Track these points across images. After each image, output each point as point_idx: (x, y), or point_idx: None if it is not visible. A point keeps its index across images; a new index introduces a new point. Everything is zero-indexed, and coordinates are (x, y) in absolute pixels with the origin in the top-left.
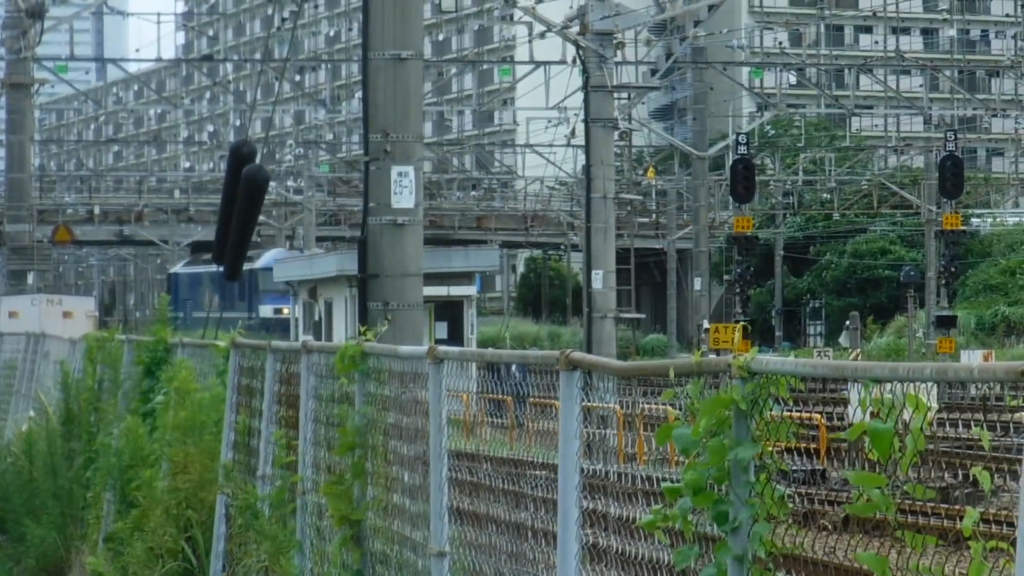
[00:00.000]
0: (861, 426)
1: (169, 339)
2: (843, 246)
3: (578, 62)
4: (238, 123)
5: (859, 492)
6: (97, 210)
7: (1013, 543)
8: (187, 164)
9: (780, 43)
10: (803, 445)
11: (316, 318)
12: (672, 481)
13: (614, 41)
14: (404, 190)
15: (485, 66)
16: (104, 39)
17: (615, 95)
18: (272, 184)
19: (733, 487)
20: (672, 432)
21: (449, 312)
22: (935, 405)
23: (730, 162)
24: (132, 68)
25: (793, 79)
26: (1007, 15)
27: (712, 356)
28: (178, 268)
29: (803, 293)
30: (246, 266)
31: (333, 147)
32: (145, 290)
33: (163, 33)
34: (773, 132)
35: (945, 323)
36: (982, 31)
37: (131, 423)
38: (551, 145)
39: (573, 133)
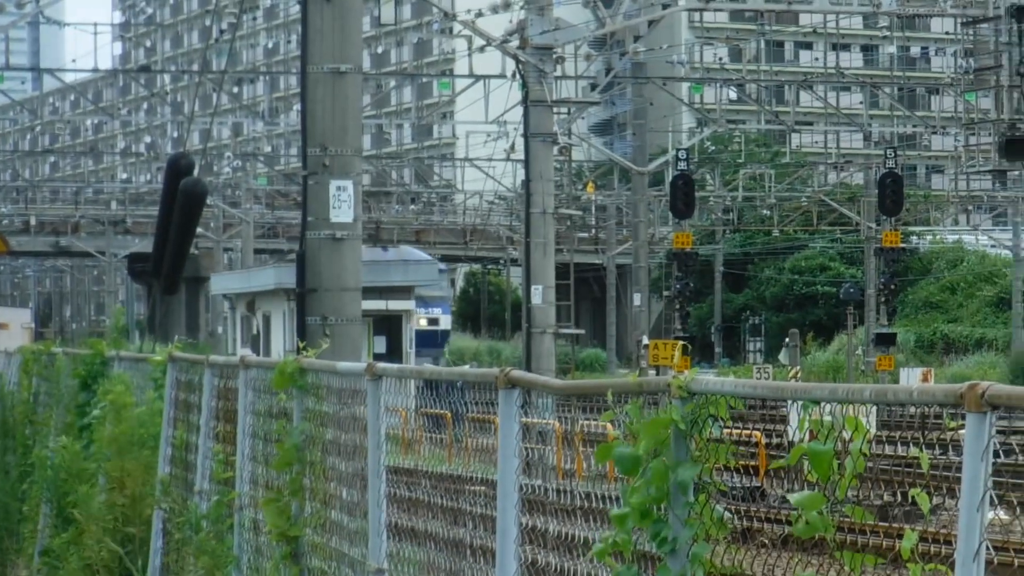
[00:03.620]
0: (801, 449)
1: (106, 352)
2: (782, 262)
3: (518, 76)
4: (175, 134)
5: (798, 514)
6: (33, 221)
7: (952, 566)
8: (124, 175)
9: (720, 59)
10: (742, 463)
11: (254, 331)
12: (610, 499)
13: (554, 55)
14: (343, 204)
15: (424, 79)
16: (40, 49)
17: (555, 110)
18: (210, 197)
19: (672, 508)
20: (613, 452)
21: (387, 326)
22: (873, 428)
23: (670, 177)
24: (69, 78)
25: (733, 95)
26: (947, 33)
27: (652, 373)
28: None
29: (742, 309)
30: None
31: (271, 159)
32: (82, 302)
33: (100, 43)
34: (713, 148)
35: (884, 341)
36: (922, 48)
37: (66, 441)
38: (490, 159)
39: (512, 147)
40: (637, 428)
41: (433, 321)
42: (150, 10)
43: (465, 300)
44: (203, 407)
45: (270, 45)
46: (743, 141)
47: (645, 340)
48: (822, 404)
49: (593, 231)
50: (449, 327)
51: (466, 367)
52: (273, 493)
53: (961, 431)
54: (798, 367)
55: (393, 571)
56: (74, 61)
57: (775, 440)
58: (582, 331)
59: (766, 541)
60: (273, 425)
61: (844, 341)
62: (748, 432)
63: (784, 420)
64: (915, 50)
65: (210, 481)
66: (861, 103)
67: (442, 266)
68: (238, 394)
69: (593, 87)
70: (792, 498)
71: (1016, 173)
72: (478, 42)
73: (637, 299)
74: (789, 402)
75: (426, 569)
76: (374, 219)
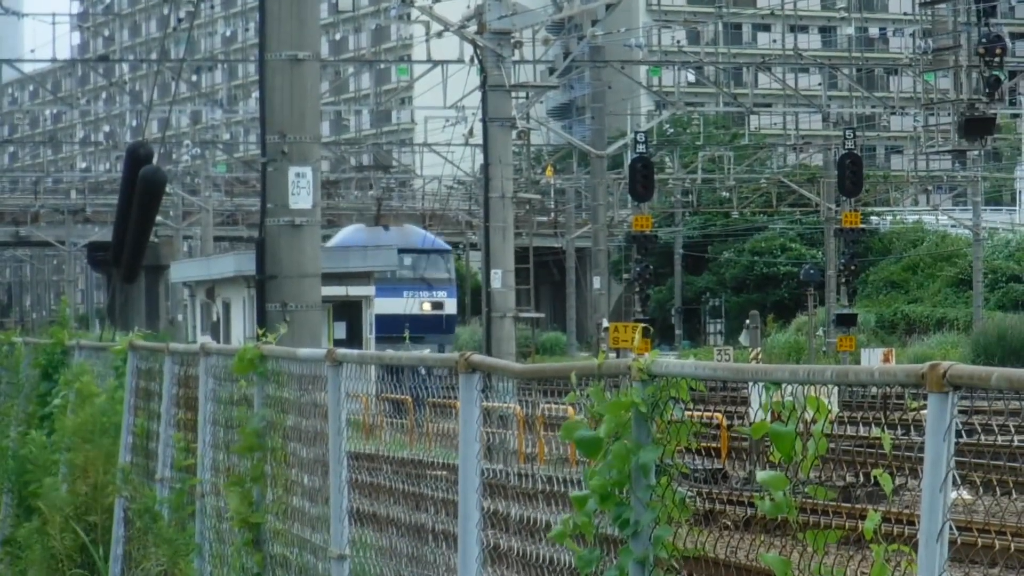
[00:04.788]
0: (764, 426)
1: (66, 341)
2: (742, 244)
3: (476, 61)
4: (134, 123)
5: (761, 495)
6: None
7: (915, 546)
8: (83, 164)
9: (678, 41)
10: (704, 445)
11: (214, 319)
12: (572, 482)
13: (512, 40)
14: (302, 191)
15: (382, 65)
16: None
17: (513, 94)
18: (169, 185)
19: (634, 490)
20: (575, 435)
21: (347, 312)
22: (835, 408)
23: (628, 161)
24: (27, 68)
25: (691, 77)
26: (905, 13)
27: (612, 356)
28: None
29: (702, 291)
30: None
31: (230, 147)
32: (42, 291)
33: (58, 33)
34: (672, 130)
35: (845, 321)
36: (880, 29)
37: (30, 432)
38: (449, 144)
39: (471, 132)
40: (599, 410)
41: (438, 305)
42: (108, 0)
43: None
44: (164, 395)
45: (228, 33)
46: (702, 123)
47: (605, 323)
48: (783, 385)
49: (552, 215)
50: (455, 311)
51: (426, 352)
52: (235, 480)
53: (923, 411)
54: (759, 349)
55: (355, 557)
56: (33, 51)
57: (737, 422)
58: (542, 315)
59: (728, 523)
60: (234, 412)
61: (803, 322)
62: (710, 414)
63: (745, 402)
64: (873, 31)
65: (171, 469)
66: (820, 84)
67: (447, 247)
68: (199, 381)
69: (551, 71)
70: (759, 476)
71: (975, 153)
72: (436, 27)
73: (597, 282)
74: (750, 384)
75: (388, 554)
76: (333, 206)
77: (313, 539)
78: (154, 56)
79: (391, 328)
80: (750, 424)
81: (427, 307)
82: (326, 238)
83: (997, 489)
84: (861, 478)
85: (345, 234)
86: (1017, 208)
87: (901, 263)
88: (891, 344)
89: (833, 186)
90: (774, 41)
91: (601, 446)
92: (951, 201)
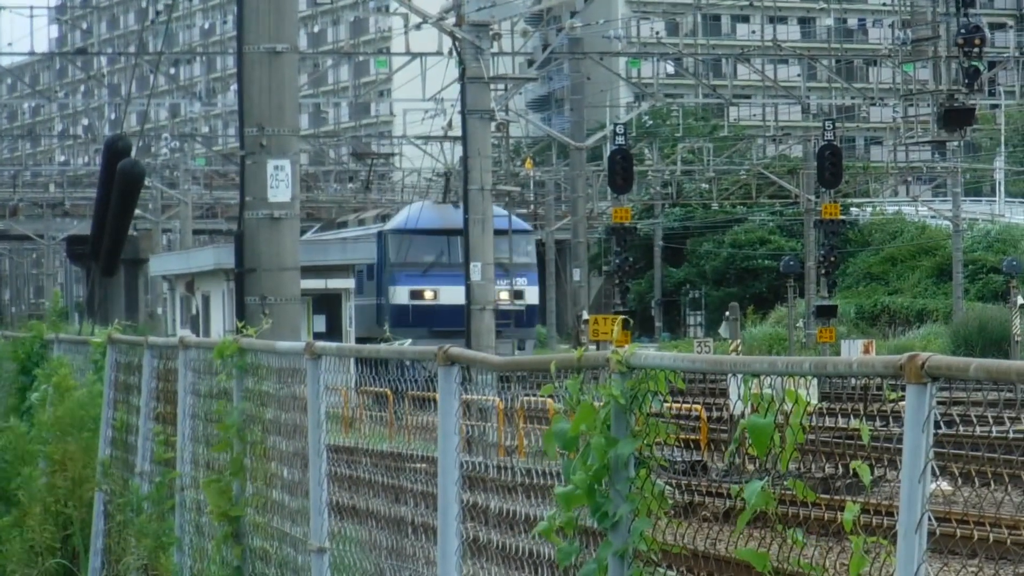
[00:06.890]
0: (743, 426)
1: (45, 335)
2: (722, 236)
3: (454, 53)
4: (113, 116)
5: (740, 489)
6: None
7: (894, 538)
8: (62, 158)
9: (657, 33)
10: (683, 437)
11: (194, 312)
12: (552, 475)
13: (490, 32)
14: (280, 184)
15: (361, 58)
16: None
17: (492, 86)
18: (148, 178)
19: (613, 483)
20: (553, 429)
21: (327, 305)
22: (814, 400)
23: (608, 152)
24: (5, 62)
25: (671, 69)
26: (884, 4)
27: (592, 349)
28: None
29: (682, 283)
30: (373, 228)
31: (209, 140)
32: (21, 285)
33: (36, 26)
34: (651, 122)
35: (825, 313)
36: (859, 20)
37: (13, 423)
38: (428, 137)
39: (450, 124)
40: (576, 403)
41: (518, 295)
42: None
43: None
44: (143, 388)
45: (206, 26)
46: (681, 115)
47: (585, 315)
48: (762, 377)
49: (532, 207)
50: (537, 301)
51: (406, 344)
52: (214, 473)
53: (902, 402)
54: (739, 340)
55: (335, 550)
56: (10, 44)
57: (715, 414)
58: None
59: (708, 515)
60: (213, 405)
61: (783, 314)
62: (689, 406)
63: (724, 393)
64: (852, 22)
65: (151, 462)
66: (799, 75)
67: (527, 227)
68: (178, 375)
69: (530, 63)
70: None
71: (955, 144)
72: (414, 20)
73: (576, 274)
74: (729, 375)
75: (368, 547)
76: (312, 198)
77: (293, 532)
78: (132, 49)
79: (459, 321)
80: (729, 416)
81: (504, 296)
82: (386, 218)
83: (976, 480)
84: (840, 470)
85: (412, 212)
86: (996, 199)
87: (881, 254)
88: (873, 336)
89: (813, 177)
90: (753, 32)
91: (577, 440)
92: (931, 192)
